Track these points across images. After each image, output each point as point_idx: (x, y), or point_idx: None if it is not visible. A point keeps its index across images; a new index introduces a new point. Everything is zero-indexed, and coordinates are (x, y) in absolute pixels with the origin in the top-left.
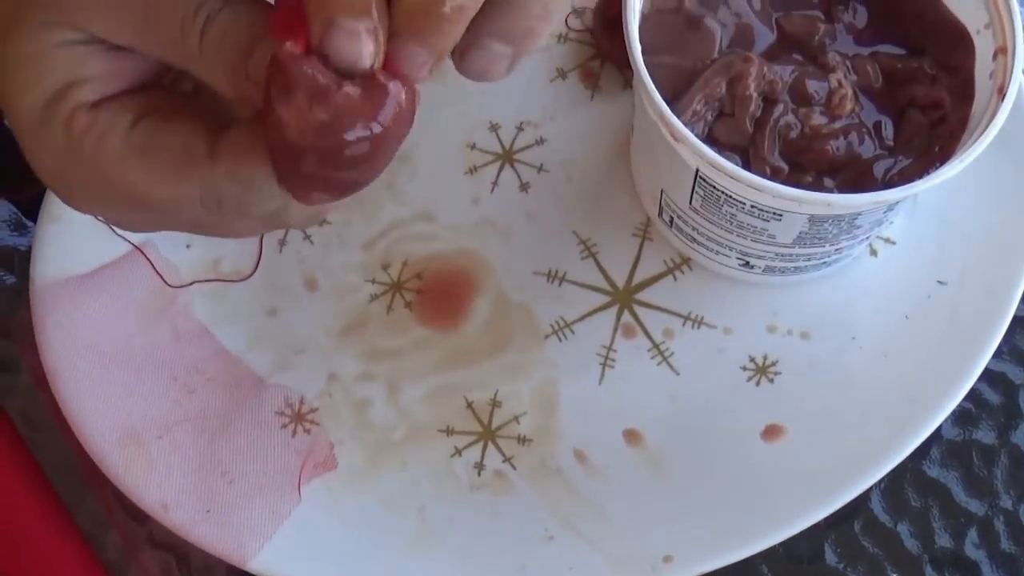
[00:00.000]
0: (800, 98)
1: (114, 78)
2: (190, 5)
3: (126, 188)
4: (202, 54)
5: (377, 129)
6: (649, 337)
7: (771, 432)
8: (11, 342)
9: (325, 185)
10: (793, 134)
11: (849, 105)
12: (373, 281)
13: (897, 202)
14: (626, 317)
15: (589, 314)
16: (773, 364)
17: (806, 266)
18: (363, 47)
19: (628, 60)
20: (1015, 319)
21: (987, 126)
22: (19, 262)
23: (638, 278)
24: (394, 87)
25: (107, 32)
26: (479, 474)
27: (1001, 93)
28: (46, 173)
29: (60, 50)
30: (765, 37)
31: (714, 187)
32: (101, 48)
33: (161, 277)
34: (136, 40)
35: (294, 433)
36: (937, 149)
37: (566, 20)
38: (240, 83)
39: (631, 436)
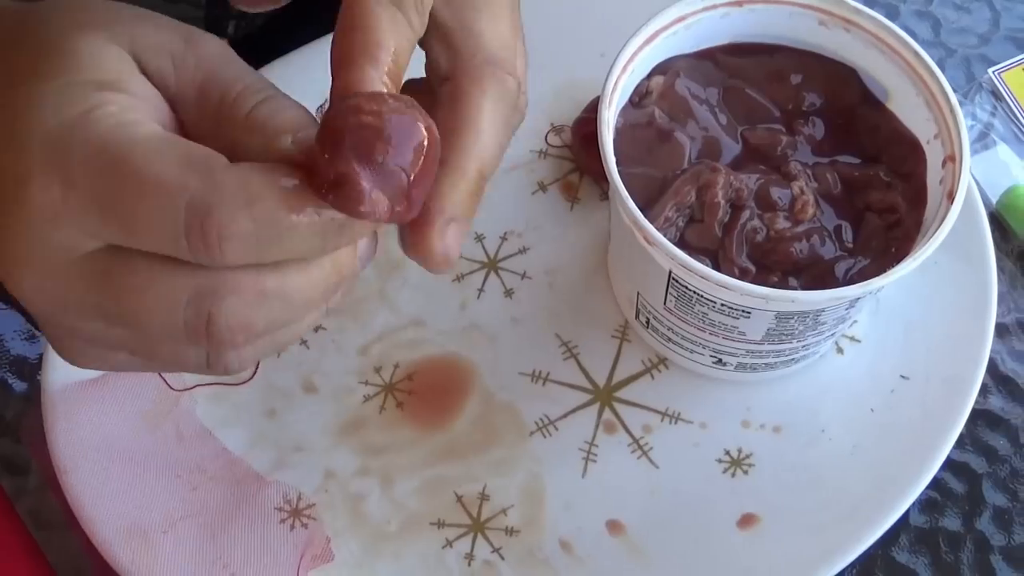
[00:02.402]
0: (765, 204)
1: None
2: (254, 84)
3: (134, 173)
4: (248, 119)
5: None
6: (629, 433)
7: (746, 521)
8: (21, 446)
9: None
10: (759, 238)
11: (811, 210)
12: (366, 383)
13: (857, 299)
14: (607, 414)
15: (572, 412)
16: (747, 457)
17: (776, 363)
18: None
19: (604, 172)
20: (975, 412)
21: (938, 228)
22: (29, 370)
23: (618, 377)
24: None
25: (166, 73)
26: (469, 564)
27: (951, 197)
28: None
29: (119, 62)
30: (731, 149)
31: (686, 288)
32: None
33: (165, 381)
34: (194, 95)
35: (292, 527)
36: (894, 250)
37: (546, 137)
38: (281, 148)
39: (614, 527)
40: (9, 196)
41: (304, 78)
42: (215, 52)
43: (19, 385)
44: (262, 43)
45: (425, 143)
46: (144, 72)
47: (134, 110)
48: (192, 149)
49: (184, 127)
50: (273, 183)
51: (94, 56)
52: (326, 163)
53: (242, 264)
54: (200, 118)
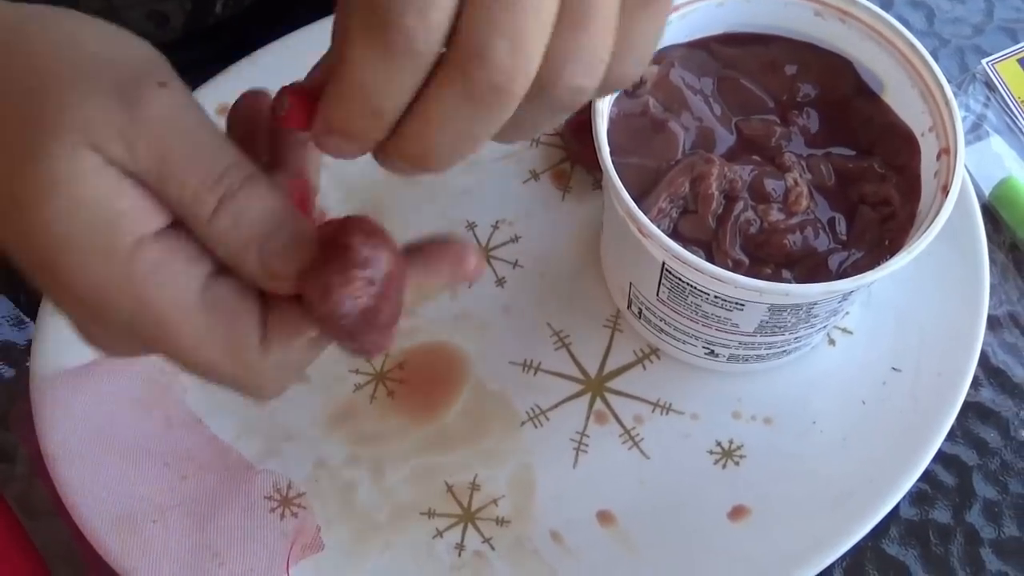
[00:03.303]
0: (759, 196)
1: (152, 214)
2: (210, 172)
3: (174, 340)
4: (210, 227)
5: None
6: (620, 423)
7: (737, 513)
8: (9, 433)
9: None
10: (753, 229)
11: (805, 202)
12: (357, 372)
13: (851, 292)
14: (598, 404)
15: (563, 402)
16: (738, 448)
17: (768, 354)
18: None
19: (597, 162)
20: (966, 404)
21: (932, 221)
22: (17, 356)
23: (609, 367)
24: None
25: (125, 160)
26: (459, 555)
27: (945, 191)
28: (74, 300)
29: (99, 176)
30: (725, 139)
31: (680, 279)
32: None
33: (155, 366)
34: (153, 183)
35: (282, 516)
36: (887, 243)
37: None
38: (249, 265)
39: (604, 517)
40: None
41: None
42: (162, 120)
43: (7, 371)
44: (250, 23)
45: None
46: (109, 159)
47: (163, 258)
48: (230, 323)
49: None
50: (301, 346)
51: (83, 178)
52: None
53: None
54: (167, 210)
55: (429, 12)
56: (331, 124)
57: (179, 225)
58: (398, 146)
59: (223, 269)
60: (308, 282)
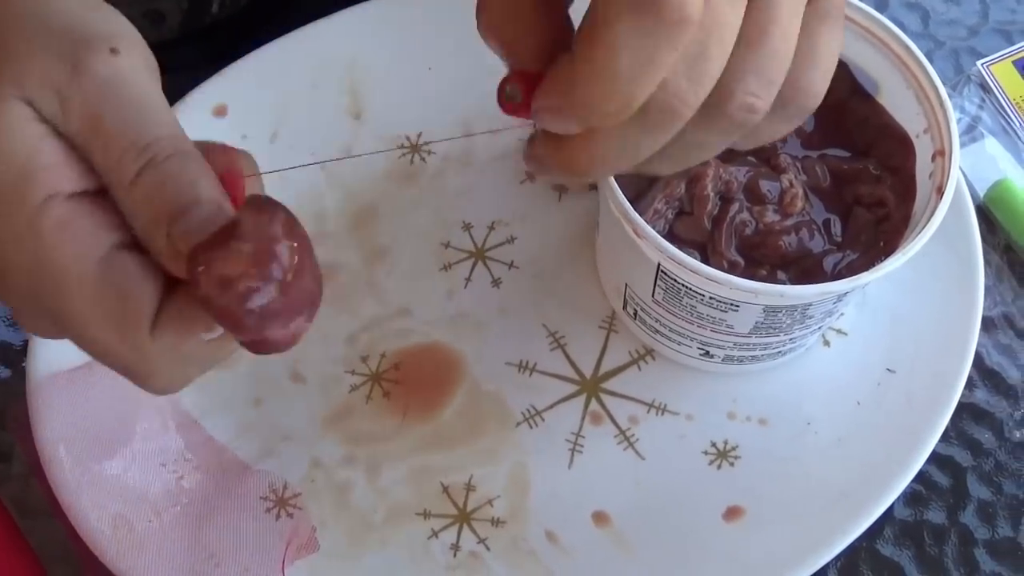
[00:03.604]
0: (754, 197)
1: (72, 175)
2: (138, 138)
3: (67, 305)
4: (128, 194)
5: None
6: (615, 424)
7: (732, 513)
8: (5, 433)
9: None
10: (748, 231)
11: (800, 204)
12: (353, 372)
13: (846, 293)
14: (593, 405)
15: (558, 402)
16: (733, 449)
17: (763, 355)
18: None
19: None
20: (960, 405)
21: (927, 222)
22: (14, 357)
23: (605, 368)
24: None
25: (57, 119)
26: (455, 555)
27: (940, 192)
28: None
29: (24, 129)
30: None
31: (675, 280)
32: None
33: None
34: (81, 145)
35: (278, 517)
36: (882, 244)
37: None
38: (157, 241)
39: (599, 518)
40: None
41: (294, 63)
42: (102, 83)
43: (3, 371)
44: (247, 23)
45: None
46: (40, 116)
47: (71, 218)
48: (124, 301)
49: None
50: (191, 347)
51: (6, 128)
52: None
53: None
54: (89, 168)
55: None
56: (575, 102)
57: (103, 194)
58: (558, 151)
59: (136, 246)
60: (192, 260)
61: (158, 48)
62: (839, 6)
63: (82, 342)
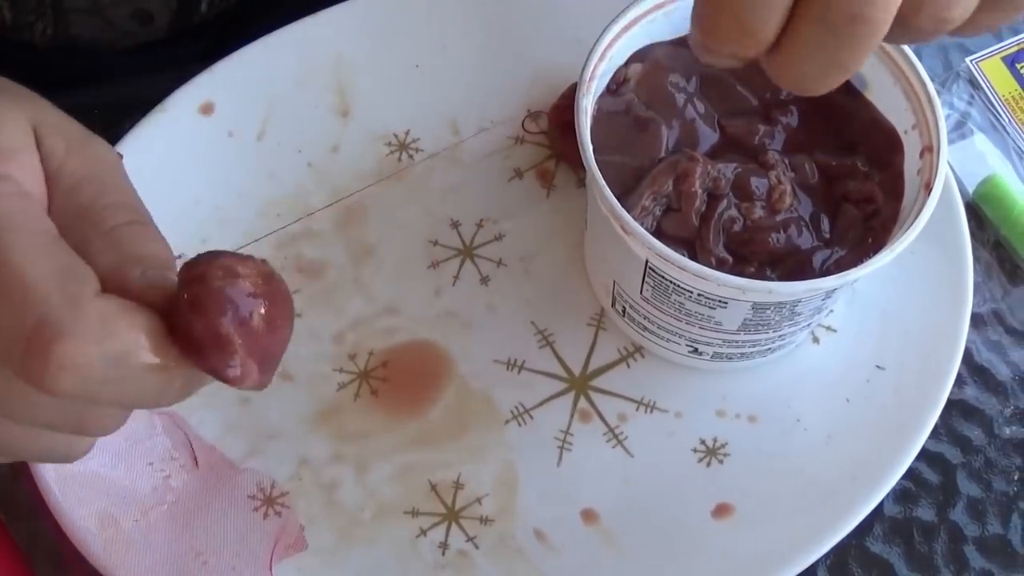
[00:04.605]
0: (742, 194)
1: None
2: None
3: (11, 244)
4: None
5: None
6: (604, 422)
7: (721, 511)
8: None
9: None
10: (736, 227)
11: (788, 200)
12: (341, 370)
13: (834, 290)
14: (582, 403)
15: (547, 400)
16: (723, 446)
17: (752, 352)
18: None
19: (581, 160)
20: (950, 402)
21: (915, 219)
22: None
23: (593, 365)
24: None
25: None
26: (443, 554)
27: (928, 188)
28: None
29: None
30: (709, 138)
31: (663, 277)
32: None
33: None
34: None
35: (266, 515)
36: (870, 241)
37: (522, 124)
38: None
39: (588, 516)
40: None
41: (283, 61)
42: (108, 159)
43: None
44: (236, 22)
45: (291, 307)
46: (38, 146)
47: (31, 198)
48: (73, 266)
49: (50, 208)
50: (137, 325)
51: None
52: (198, 324)
53: (67, 396)
54: (65, 207)
55: None
56: (706, 41)
57: None
58: (774, 67)
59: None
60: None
61: (147, 47)
62: None
63: (10, 278)
